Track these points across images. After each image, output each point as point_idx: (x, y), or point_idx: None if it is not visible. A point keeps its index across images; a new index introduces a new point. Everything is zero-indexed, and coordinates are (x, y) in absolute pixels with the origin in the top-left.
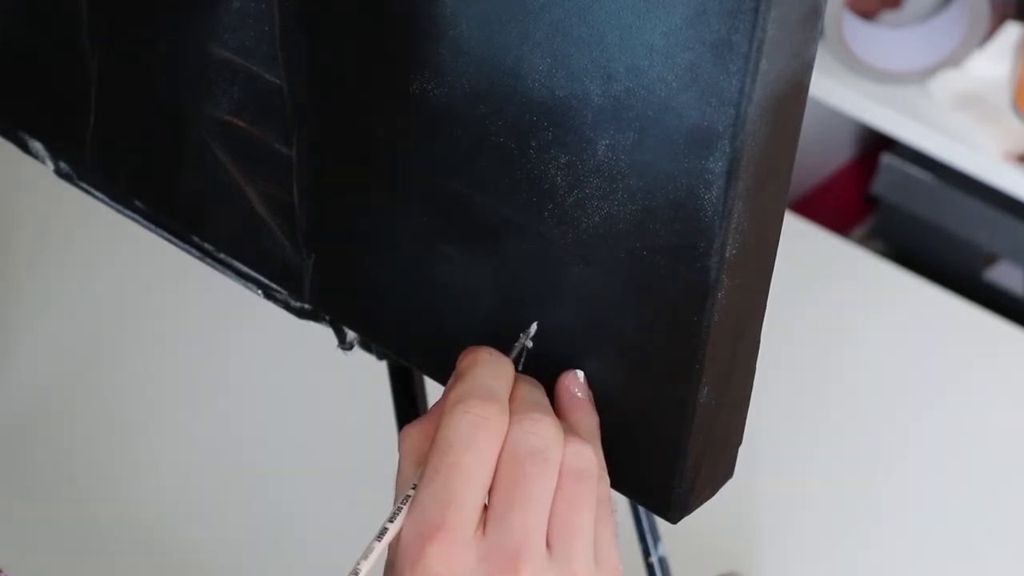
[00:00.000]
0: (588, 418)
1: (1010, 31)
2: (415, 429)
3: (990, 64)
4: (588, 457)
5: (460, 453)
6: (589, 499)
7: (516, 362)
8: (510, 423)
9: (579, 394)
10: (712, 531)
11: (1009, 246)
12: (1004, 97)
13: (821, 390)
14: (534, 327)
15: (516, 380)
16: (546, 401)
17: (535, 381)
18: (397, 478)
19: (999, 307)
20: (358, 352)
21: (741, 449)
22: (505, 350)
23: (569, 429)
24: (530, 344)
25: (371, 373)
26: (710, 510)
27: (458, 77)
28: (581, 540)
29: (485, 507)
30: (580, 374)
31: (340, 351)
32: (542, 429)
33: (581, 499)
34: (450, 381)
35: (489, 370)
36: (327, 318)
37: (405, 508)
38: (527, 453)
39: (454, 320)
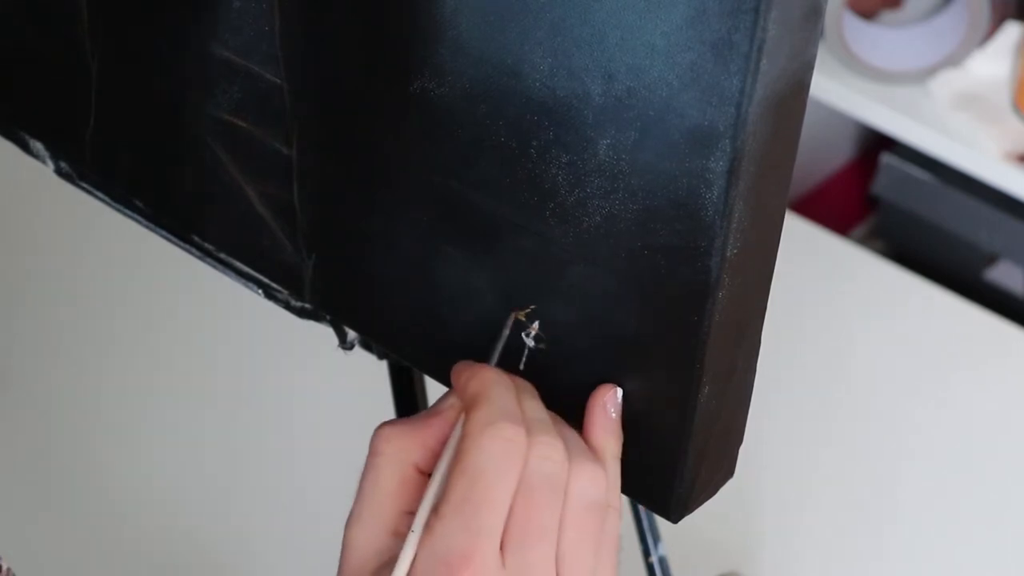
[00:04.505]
0: (614, 441)
1: (1010, 31)
2: (406, 438)
3: (990, 64)
4: (600, 486)
5: (492, 482)
6: (597, 532)
7: (517, 362)
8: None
9: (613, 414)
10: (712, 531)
11: (1009, 246)
12: (1004, 97)
13: (821, 390)
14: (535, 326)
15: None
16: (546, 414)
17: (530, 387)
18: (367, 479)
19: (999, 307)
20: (358, 352)
21: (741, 449)
22: (508, 350)
23: (589, 450)
24: (532, 344)
25: (371, 373)
26: (710, 510)
27: (458, 77)
28: (585, 572)
29: None
30: (620, 393)
31: (340, 351)
32: (554, 453)
33: (589, 531)
34: (454, 398)
35: (505, 391)
36: (327, 318)
37: (418, 532)
38: (542, 481)
39: (454, 320)
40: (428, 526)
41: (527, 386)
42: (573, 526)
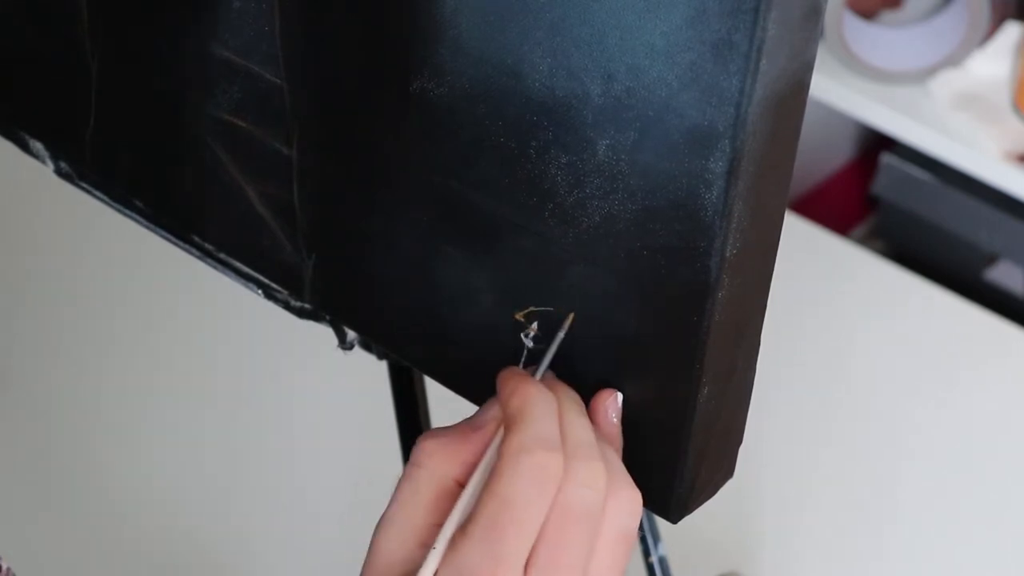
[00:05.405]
0: (614, 446)
1: (1010, 31)
2: (446, 453)
3: (990, 64)
4: (637, 514)
5: (520, 509)
6: (625, 560)
7: (516, 363)
8: (564, 469)
9: (614, 419)
10: (712, 531)
11: (1009, 246)
12: (1004, 97)
13: (821, 390)
14: (534, 327)
15: (560, 404)
16: (591, 434)
17: (577, 400)
18: (404, 488)
19: (999, 307)
20: (358, 352)
21: (741, 449)
22: (508, 350)
23: (627, 474)
24: (530, 344)
25: (371, 373)
26: (710, 510)
27: (458, 77)
28: None
29: None
30: (620, 397)
31: (340, 351)
32: (595, 482)
33: (619, 560)
34: (496, 409)
35: (546, 411)
36: (327, 318)
37: (441, 549)
38: (580, 510)
39: (454, 320)
40: (453, 543)
41: (573, 400)
42: (604, 554)
